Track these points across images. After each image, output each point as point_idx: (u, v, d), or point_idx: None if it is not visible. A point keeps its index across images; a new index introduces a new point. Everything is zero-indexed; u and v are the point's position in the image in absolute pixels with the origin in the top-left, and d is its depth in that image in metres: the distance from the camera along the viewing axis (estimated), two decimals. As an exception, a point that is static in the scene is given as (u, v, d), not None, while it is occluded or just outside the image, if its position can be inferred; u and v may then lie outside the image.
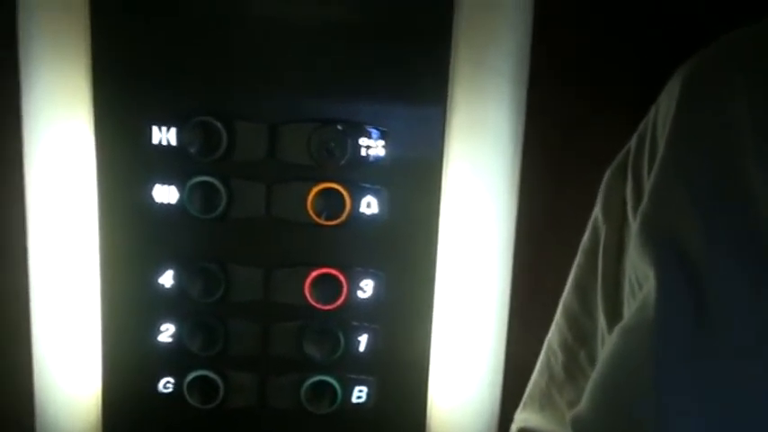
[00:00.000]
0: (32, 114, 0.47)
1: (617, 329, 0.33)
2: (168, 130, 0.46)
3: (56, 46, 0.46)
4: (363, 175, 0.47)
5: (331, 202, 0.47)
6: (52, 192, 0.47)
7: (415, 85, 0.46)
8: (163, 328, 0.48)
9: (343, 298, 0.48)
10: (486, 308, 0.49)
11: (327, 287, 0.48)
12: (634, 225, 0.35)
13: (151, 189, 0.47)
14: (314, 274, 0.48)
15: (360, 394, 0.50)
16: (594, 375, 0.34)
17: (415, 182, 0.47)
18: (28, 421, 0.50)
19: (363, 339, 0.49)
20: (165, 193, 0.47)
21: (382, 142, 0.47)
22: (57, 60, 0.46)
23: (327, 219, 0.47)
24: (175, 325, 0.48)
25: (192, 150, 0.46)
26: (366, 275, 0.48)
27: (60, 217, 0.48)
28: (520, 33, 0.47)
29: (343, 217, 0.47)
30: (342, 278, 0.48)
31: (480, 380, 0.51)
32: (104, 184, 0.47)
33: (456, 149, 0.47)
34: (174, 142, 0.46)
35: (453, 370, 0.50)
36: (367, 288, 0.48)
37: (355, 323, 0.49)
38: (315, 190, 0.47)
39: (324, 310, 0.48)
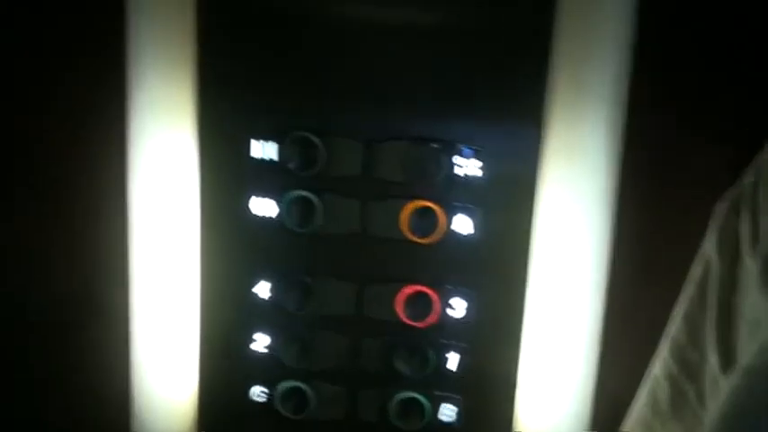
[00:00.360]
0: (139, 124, 0.49)
1: (738, 370, 0.32)
2: (268, 144, 0.47)
3: (162, 59, 0.47)
4: (458, 193, 0.47)
5: (425, 221, 0.47)
6: (155, 200, 0.49)
7: (513, 105, 0.46)
8: (257, 337, 0.49)
9: (434, 315, 0.48)
10: (577, 332, 0.49)
11: (419, 304, 0.48)
12: (750, 262, 0.34)
13: (250, 202, 0.48)
14: (406, 290, 0.48)
15: (448, 412, 0.50)
16: (715, 416, 0.33)
17: (510, 202, 0.47)
18: (125, 425, 0.52)
19: (453, 358, 0.49)
20: (264, 206, 0.48)
21: (477, 161, 0.47)
22: (163, 73, 0.48)
23: (421, 236, 0.47)
24: (269, 335, 0.49)
25: (291, 165, 0.47)
26: (458, 294, 0.48)
27: (162, 225, 0.49)
28: (620, 54, 0.46)
29: (437, 235, 0.47)
30: (433, 296, 0.48)
31: (569, 404, 0.50)
32: (206, 194, 0.48)
33: (551, 171, 0.47)
34: (273, 156, 0.47)
35: (542, 392, 0.50)
36: (458, 306, 0.48)
37: (445, 341, 0.49)
38: (409, 207, 0.47)
39: (414, 327, 0.48)
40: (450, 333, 0.49)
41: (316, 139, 0.46)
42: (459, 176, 0.47)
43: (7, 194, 0.51)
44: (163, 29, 0.47)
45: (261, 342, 0.50)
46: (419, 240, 0.47)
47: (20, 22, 0.49)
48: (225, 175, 0.48)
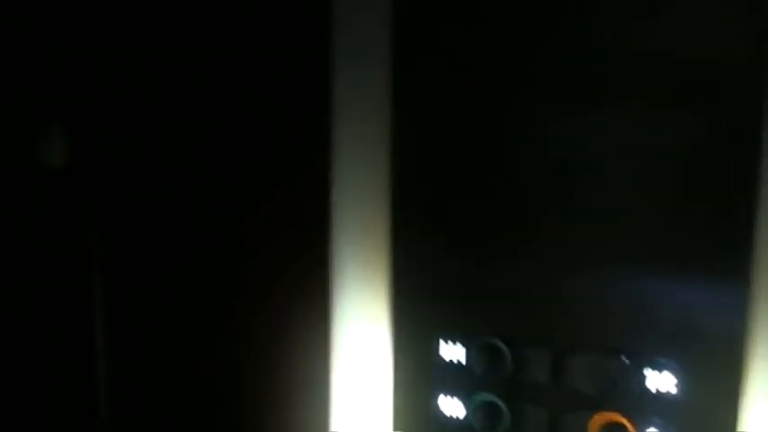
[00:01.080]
0: (341, 324, 0.52)
1: None
2: (456, 346, 0.49)
3: (361, 264, 0.51)
4: (650, 408, 0.45)
5: (614, 434, 0.46)
6: (352, 393, 0.52)
7: (710, 317, 0.44)
8: None
9: None
10: None
11: None
12: None
13: (438, 400, 0.49)
14: (595, 502, 0.47)
15: None
16: None
17: (709, 421, 0.45)
18: None
19: None
20: (451, 406, 0.49)
21: (672, 378, 0.45)
22: (362, 277, 0.51)
23: (611, 449, 0.46)
24: None
25: (477, 369, 0.47)
26: None
27: (359, 415, 0.52)
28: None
29: (627, 450, 0.46)
30: None
31: None
32: (398, 390, 0.51)
33: (754, 391, 0.44)
34: (461, 359, 0.48)
35: None
36: None
37: None
38: (597, 420, 0.46)
39: None
40: None
41: (503, 346, 0.47)
42: (651, 391, 0.45)
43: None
44: (360, 235, 0.51)
45: None
46: (608, 453, 0.46)
47: (230, 230, 0.55)
48: (415, 373, 0.50)
